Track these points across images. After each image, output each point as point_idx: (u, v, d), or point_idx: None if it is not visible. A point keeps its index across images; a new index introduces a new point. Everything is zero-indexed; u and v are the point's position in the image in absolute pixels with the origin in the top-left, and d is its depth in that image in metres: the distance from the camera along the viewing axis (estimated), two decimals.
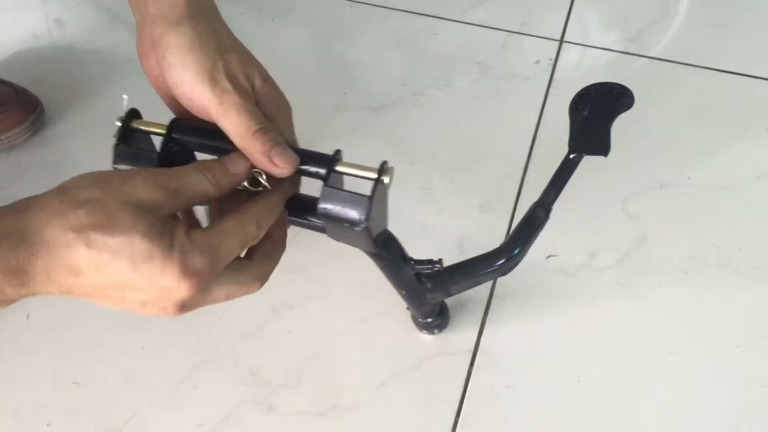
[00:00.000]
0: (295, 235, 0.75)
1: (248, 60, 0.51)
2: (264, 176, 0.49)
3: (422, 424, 0.63)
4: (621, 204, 0.78)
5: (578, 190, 0.79)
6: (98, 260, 0.39)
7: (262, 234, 0.47)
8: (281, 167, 0.47)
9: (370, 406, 0.63)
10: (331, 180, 0.49)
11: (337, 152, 0.50)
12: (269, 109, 0.50)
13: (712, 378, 0.66)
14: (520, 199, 0.79)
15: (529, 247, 0.60)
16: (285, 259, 0.73)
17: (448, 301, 0.68)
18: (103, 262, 0.39)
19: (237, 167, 0.47)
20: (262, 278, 0.48)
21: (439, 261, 0.59)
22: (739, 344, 0.67)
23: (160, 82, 0.50)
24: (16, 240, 0.38)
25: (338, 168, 0.49)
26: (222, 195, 0.46)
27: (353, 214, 0.49)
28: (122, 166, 0.50)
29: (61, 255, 0.39)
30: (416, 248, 0.71)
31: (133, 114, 0.51)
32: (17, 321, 0.68)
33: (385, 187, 0.49)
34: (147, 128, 0.50)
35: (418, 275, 0.60)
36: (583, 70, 0.94)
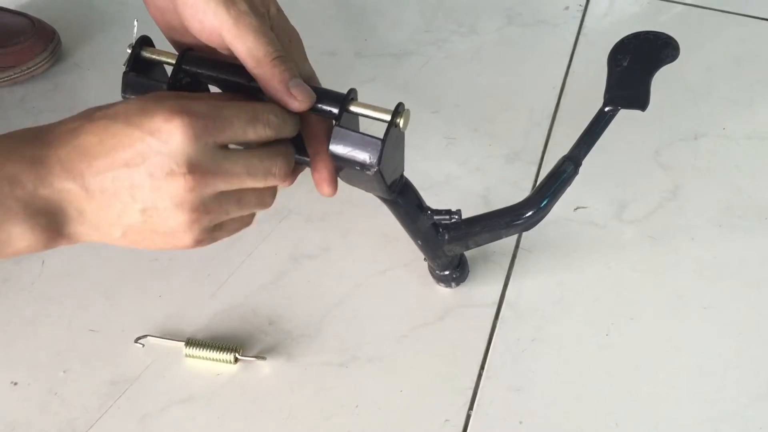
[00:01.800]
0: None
1: None
2: None
3: (446, 376, 0.61)
4: (653, 155, 0.76)
5: (609, 141, 0.76)
6: (97, 127, 0.40)
7: (268, 134, 0.45)
8: (300, 100, 0.45)
9: (392, 357, 0.62)
10: (344, 120, 0.46)
11: (351, 91, 0.48)
12: (282, 40, 0.48)
13: (745, 333, 0.64)
14: (547, 150, 0.76)
15: (554, 203, 0.58)
16: (305, 208, 0.72)
17: (472, 251, 0.66)
18: (102, 128, 0.40)
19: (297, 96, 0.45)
20: (286, 162, 0.46)
21: (458, 212, 0.57)
22: None
23: (166, 12, 0.47)
24: (33, 136, 0.41)
25: (351, 108, 0.46)
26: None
27: (365, 156, 0.46)
28: (130, 95, 0.48)
29: (70, 139, 0.40)
30: (440, 199, 0.69)
31: (144, 41, 0.48)
32: (32, 268, 0.66)
33: (400, 130, 0.47)
34: (158, 57, 0.48)
35: (436, 226, 0.58)
36: (614, 17, 0.90)
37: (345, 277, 0.66)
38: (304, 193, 0.71)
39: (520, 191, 0.72)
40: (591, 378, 0.61)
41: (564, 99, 0.81)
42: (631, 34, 0.59)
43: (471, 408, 0.59)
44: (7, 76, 0.79)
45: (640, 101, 0.56)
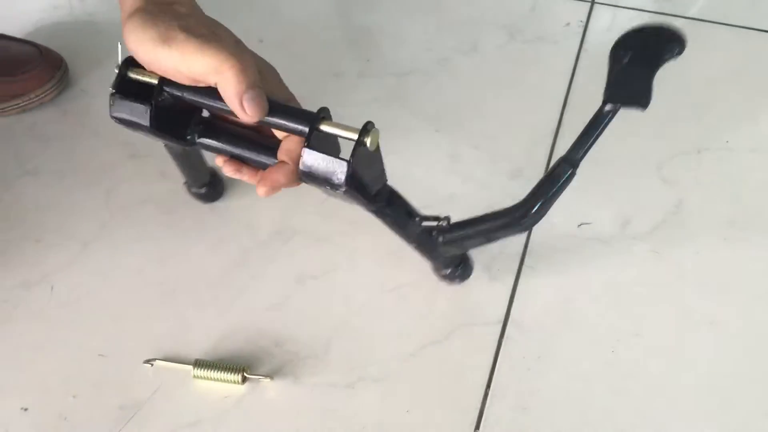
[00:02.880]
0: (321, 202, 0.74)
1: (214, 23, 0.51)
2: None
3: (452, 395, 0.61)
4: (656, 170, 0.76)
5: (611, 156, 0.77)
6: None
7: None
8: (249, 114, 0.47)
9: (398, 377, 0.62)
10: (313, 140, 0.47)
11: (322, 110, 0.48)
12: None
13: (752, 348, 0.63)
14: (550, 166, 0.76)
15: (550, 206, 0.57)
16: (310, 228, 0.72)
17: (476, 265, 0.67)
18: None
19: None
20: None
21: (447, 218, 0.58)
22: None
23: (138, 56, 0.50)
24: None
25: (322, 127, 0.47)
26: None
27: (333, 178, 0.47)
28: (118, 116, 0.50)
29: None
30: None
31: (129, 62, 0.50)
32: (41, 293, 0.67)
33: (367, 149, 0.47)
34: (142, 77, 0.50)
35: (429, 230, 0.58)
36: (615, 32, 0.89)
37: (350, 297, 0.67)
38: (309, 214, 0.72)
39: None
40: (597, 395, 0.61)
41: (566, 115, 0.81)
42: (634, 28, 0.56)
43: (477, 427, 0.59)
44: (15, 104, 0.80)
45: (641, 99, 0.54)
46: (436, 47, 0.89)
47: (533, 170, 0.76)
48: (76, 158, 0.77)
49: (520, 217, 0.56)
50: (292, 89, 0.84)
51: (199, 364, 0.61)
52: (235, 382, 0.61)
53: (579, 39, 0.89)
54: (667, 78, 0.84)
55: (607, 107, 0.55)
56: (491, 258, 0.69)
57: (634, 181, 0.75)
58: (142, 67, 0.51)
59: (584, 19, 0.91)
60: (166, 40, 0.47)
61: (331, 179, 0.47)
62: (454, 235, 0.58)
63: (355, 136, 0.47)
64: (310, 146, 0.47)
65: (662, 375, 0.62)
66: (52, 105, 0.82)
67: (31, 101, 0.80)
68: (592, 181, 0.72)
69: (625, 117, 0.79)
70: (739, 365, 0.62)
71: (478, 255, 0.69)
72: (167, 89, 0.50)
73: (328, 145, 0.49)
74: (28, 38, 0.85)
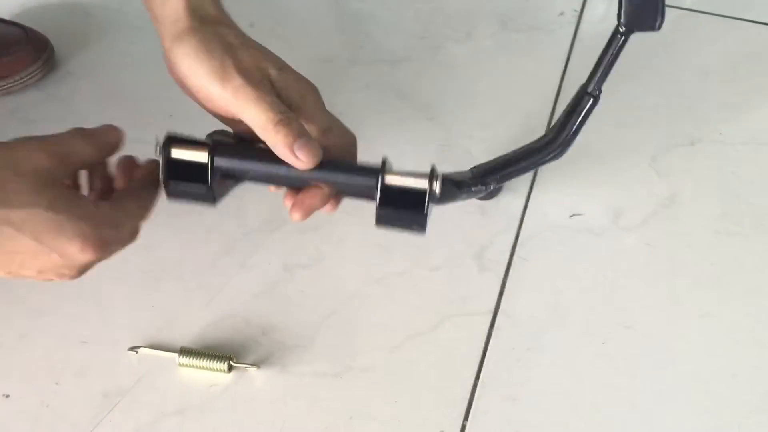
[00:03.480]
0: None
1: (259, 53, 0.50)
2: None
3: (441, 386, 0.60)
4: (649, 161, 0.75)
5: (604, 147, 0.76)
6: (1, 234, 0.41)
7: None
8: (303, 161, 0.46)
9: (387, 367, 0.61)
10: (382, 196, 0.46)
11: (384, 163, 0.47)
12: (293, 98, 0.50)
13: (743, 341, 0.63)
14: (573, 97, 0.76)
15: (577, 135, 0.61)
16: None
17: (467, 255, 0.66)
18: (7, 236, 0.41)
19: (111, 138, 0.49)
20: (138, 229, 0.49)
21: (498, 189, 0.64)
22: None
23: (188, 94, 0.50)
24: None
25: (388, 182, 0.46)
26: (104, 159, 0.48)
27: (411, 229, 0.48)
28: (178, 198, 0.49)
29: None
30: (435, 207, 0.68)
31: (172, 141, 0.48)
32: (24, 280, 0.66)
33: (437, 195, 0.47)
34: (189, 158, 0.47)
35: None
36: (610, 22, 0.89)
37: (339, 286, 0.66)
38: None
39: (515, 198, 0.72)
40: (587, 388, 0.60)
41: (560, 105, 0.80)
42: None
43: (466, 419, 0.59)
44: (0, 86, 0.78)
45: (654, 19, 0.53)
46: (430, 35, 0.88)
47: None
48: None
49: (558, 147, 0.62)
50: None
51: (184, 352, 0.60)
52: (221, 371, 0.60)
53: (573, 28, 0.88)
54: (661, 69, 0.84)
55: (621, 33, 0.54)
56: (482, 248, 0.68)
57: (627, 173, 0.74)
58: (182, 141, 0.48)
59: (578, 9, 0.90)
60: (222, 78, 0.47)
61: (409, 229, 0.48)
62: (494, 176, 0.64)
63: (425, 185, 0.46)
64: (381, 205, 0.47)
65: (652, 368, 0.62)
66: (36, 88, 0.81)
67: (15, 83, 0.79)
68: (585, 172, 0.71)
69: (620, 107, 0.79)
70: (729, 359, 0.62)
71: (468, 245, 0.68)
72: (218, 164, 0.48)
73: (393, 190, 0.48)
74: (14, 19, 0.84)
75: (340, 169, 0.48)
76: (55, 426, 0.58)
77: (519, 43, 0.87)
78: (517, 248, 0.69)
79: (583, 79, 0.82)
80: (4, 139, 0.75)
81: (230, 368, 0.60)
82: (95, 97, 0.80)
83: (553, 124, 0.63)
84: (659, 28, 0.53)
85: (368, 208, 0.67)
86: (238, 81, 0.47)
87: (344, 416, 0.59)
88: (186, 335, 0.62)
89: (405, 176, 0.47)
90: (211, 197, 0.49)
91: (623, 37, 0.54)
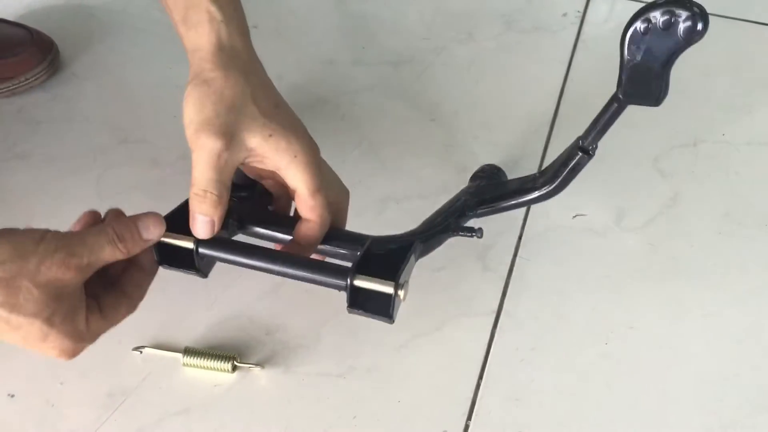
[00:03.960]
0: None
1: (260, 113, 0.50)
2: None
3: (444, 386, 0.61)
4: (652, 162, 0.75)
5: (608, 148, 0.75)
6: None
7: None
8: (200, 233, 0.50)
9: (390, 367, 0.62)
10: (350, 298, 0.51)
11: (355, 266, 0.51)
12: (281, 162, 0.51)
13: (745, 341, 0.63)
14: (546, 157, 0.76)
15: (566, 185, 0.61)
16: None
17: (468, 261, 0.66)
18: (2, 330, 0.44)
19: (150, 234, 0.50)
20: (132, 309, 0.52)
21: (479, 230, 0.61)
22: None
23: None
24: None
25: (356, 283, 0.50)
26: (130, 256, 0.49)
27: (380, 320, 0.52)
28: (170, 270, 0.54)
29: None
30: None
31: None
32: None
33: (401, 299, 0.51)
34: (176, 242, 0.51)
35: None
36: (613, 23, 0.90)
37: None
38: None
39: None
40: (590, 388, 0.61)
41: (563, 105, 0.81)
42: (645, 15, 0.48)
43: (469, 418, 0.59)
44: (5, 87, 0.79)
45: (656, 97, 0.52)
46: (433, 36, 0.89)
47: (529, 161, 0.76)
48: (66, 143, 0.76)
49: (545, 194, 0.61)
50: (286, 77, 0.84)
51: (188, 351, 0.60)
52: (225, 371, 0.60)
53: (576, 29, 0.88)
54: None
55: (618, 103, 0.54)
56: (485, 248, 0.69)
57: (630, 174, 0.74)
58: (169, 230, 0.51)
59: (581, 10, 0.91)
60: (266, 138, 0.49)
61: (378, 320, 0.52)
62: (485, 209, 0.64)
63: (391, 291, 0.50)
64: (350, 306, 0.52)
65: (655, 367, 0.62)
66: (42, 89, 0.81)
67: (20, 84, 0.79)
68: (588, 172, 0.71)
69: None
70: (732, 359, 0.62)
71: (472, 246, 0.68)
72: (203, 252, 0.52)
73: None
74: (19, 21, 0.84)
75: (312, 269, 0.52)
76: (60, 425, 0.58)
77: (522, 44, 0.87)
78: (520, 249, 0.69)
79: (587, 81, 0.83)
80: (10, 141, 0.75)
81: (234, 368, 0.60)
82: (100, 98, 0.81)
83: (545, 168, 0.62)
84: (659, 104, 0.52)
85: (373, 211, 0.68)
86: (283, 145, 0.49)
87: (348, 416, 0.59)
88: (190, 335, 0.63)
89: (372, 281, 0.50)
90: (205, 275, 0.55)
91: (621, 107, 0.54)
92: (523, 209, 0.71)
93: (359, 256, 0.52)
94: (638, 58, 0.50)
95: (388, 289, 0.50)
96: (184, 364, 0.60)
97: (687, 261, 0.68)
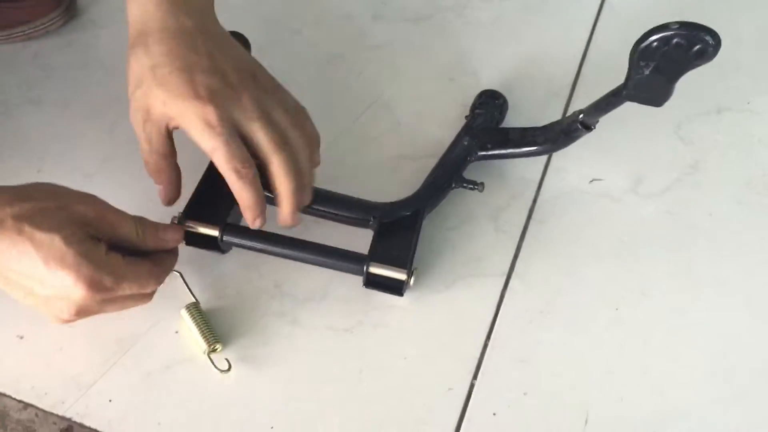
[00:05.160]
0: (326, 149, 0.72)
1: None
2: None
3: (451, 344, 0.60)
4: (674, 129, 0.74)
5: (629, 113, 0.74)
6: (22, 247, 0.46)
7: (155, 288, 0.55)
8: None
9: (398, 324, 0.61)
10: (367, 280, 0.60)
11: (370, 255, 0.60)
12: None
13: (760, 312, 0.62)
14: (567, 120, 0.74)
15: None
16: (317, 172, 0.71)
17: (482, 220, 0.66)
18: (25, 251, 0.46)
19: (167, 236, 0.55)
20: (156, 279, 0.54)
21: (481, 184, 0.65)
22: None
23: None
24: None
25: (371, 270, 0.59)
26: (146, 248, 0.53)
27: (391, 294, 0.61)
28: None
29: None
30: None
31: (187, 216, 0.60)
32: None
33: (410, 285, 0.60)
34: (202, 231, 0.60)
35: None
36: None
37: (352, 243, 0.65)
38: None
39: (534, 162, 0.71)
40: (598, 352, 0.60)
41: (584, 69, 0.79)
42: (659, 35, 0.49)
43: (475, 377, 0.59)
44: (21, 32, 0.78)
45: (659, 100, 0.54)
46: None
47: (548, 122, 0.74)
48: (81, 89, 0.76)
49: (542, 151, 0.67)
50: (304, 31, 0.83)
51: (189, 309, 0.60)
52: (201, 350, 0.58)
53: None
54: None
55: (623, 96, 0.55)
56: (498, 209, 0.68)
57: (651, 140, 0.73)
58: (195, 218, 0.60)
59: None
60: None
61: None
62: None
63: (404, 277, 0.59)
64: (366, 286, 0.61)
65: (665, 335, 0.61)
66: (57, 34, 0.80)
67: (36, 29, 0.78)
68: (608, 137, 0.70)
69: None
70: (743, 328, 0.61)
71: (485, 207, 0.68)
72: (227, 239, 0.60)
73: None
74: None
75: (331, 256, 0.60)
76: (67, 368, 0.59)
77: (546, 5, 0.85)
78: (534, 211, 0.68)
79: (610, 45, 0.81)
80: (25, 86, 0.75)
81: (209, 353, 0.58)
82: (116, 46, 0.79)
83: (547, 125, 0.66)
84: (660, 106, 0.54)
85: (387, 165, 0.67)
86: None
87: (354, 369, 0.59)
88: (199, 284, 0.63)
89: (386, 268, 0.59)
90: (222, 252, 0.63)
91: (623, 101, 0.56)
92: (539, 172, 0.70)
93: (372, 244, 0.60)
94: (646, 72, 0.52)
95: (401, 275, 0.58)
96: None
97: (704, 229, 0.67)
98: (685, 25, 0.48)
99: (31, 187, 0.50)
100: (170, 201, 0.58)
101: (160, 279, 0.54)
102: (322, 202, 0.63)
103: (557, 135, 0.64)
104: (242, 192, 0.52)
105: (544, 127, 0.66)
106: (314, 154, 0.58)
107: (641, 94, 0.54)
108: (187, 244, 0.60)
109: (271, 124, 0.52)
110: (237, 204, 0.54)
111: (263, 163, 0.53)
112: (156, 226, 0.54)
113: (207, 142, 0.51)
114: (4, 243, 0.46)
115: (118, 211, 0.52)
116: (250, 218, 0.54)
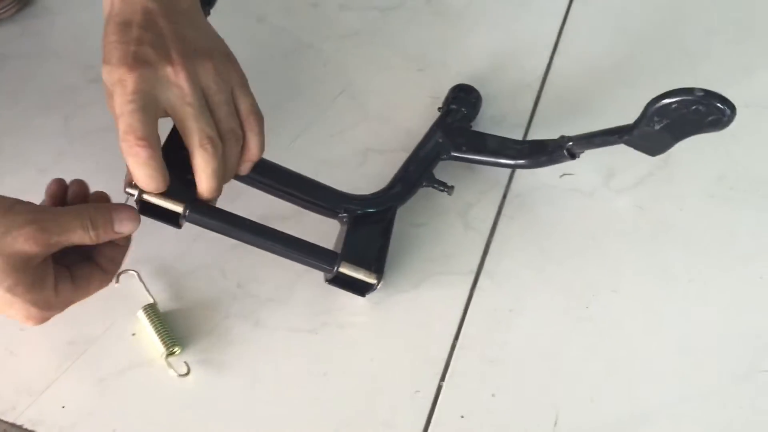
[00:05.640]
0: (292, 142, 0.70)
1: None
2: None
3: (418, 345, 0.59)
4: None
5: (600, 105, 0.73)
6: None
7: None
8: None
9: (364, 324, 0.60)
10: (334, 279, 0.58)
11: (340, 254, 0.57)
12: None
13: (732, 308, 0.61)
14: (536, 112, 0.73)
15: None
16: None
17: (451, 216, 0.64)
18: None
19: (123, 227, 0.50)
20: (106, 282, 0.52)
21: (451, 187, 0.64)
22: (763, 275, 0.63)
23: None
24: None
25: (342, 270, 0.56)
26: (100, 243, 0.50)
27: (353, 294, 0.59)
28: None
29: None
30: None
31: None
32: None
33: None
34: (163, 204, 0.51)
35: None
36: None
37: (319, 241, 0.63)
38: (281, 150, 0.68)
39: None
40: (568, 351, 0.59)
41: (556, 60, 0.77)
42: (681, 98, 0.50)
43: (443, 379, 0.58)
44: None
45: (656, 152, 0.56)
46: None
47: (517, 117, 0.72)
48: (34, 80, 0.73)
49: (523, 165, 0.66)
50: (269, 18, 0.80)
51: (146, 311, 0.58)
52: (161, 355, 0.57)
53: None
54: (664, 26, 0.80)
55: (620, 139, 0.55)
56: (467, 205, 0.66)
57: None
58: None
59: None
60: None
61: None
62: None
63: (374, 281, 0.57)
64: (330, 282, 0.59)
65: (637, 333, 0.60)
66: (11, 21, 0.77)
67: None
68: (579, 130, 0.68)
69: (620, 64, 0.76)
70: (715, 326, 0.61)
71: (453, 203, 0.66)
72: (192, 217, 0.53)
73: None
74: None
75: (301, 250, 0.57)
76: (20, 373, 0.57)
77: None
78: (504, 207, 0.67)
79: (582, 35, 0.79)
80: None
81: (167, 356, 0.56)
82: (71, 34, 0.77)
83: (529, 142, 0.67)
84: (655, 156, 0.56)
85: (352, 162, 0.65)
86: None
87: (318, 372, 0.57)
88: (159, 284, 0.60)
89: (357, 271, 0.57)
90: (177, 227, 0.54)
91: (619, 143, 0.56)
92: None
93: (344, 242, 0.58)
94: (656, 127, 0.52)
95: (371, 279, 0.57)
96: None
97: (676, 225, 0.66)
98: (708, 94, 0.49)
99: None
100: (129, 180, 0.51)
101: (109, 281, 0.52)
102: (292, 186, 0.61)
103: (539, 156, 0.63)
104: (130, 165, 0.48)
105: (526, 142, 0.65)
106: (246, 161, 0.54)
107: (641, 143, 0.54)
108: (142, 212, 0.52)
109: (201, 118, 0.48)
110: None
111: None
112: (108, 211, 0.50)
113: (116, 108, 0.47)
114: None
115: (63, 219, 0.47)
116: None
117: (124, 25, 0.49)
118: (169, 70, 0.48)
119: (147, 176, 0.48)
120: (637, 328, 0.60)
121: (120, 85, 0.47)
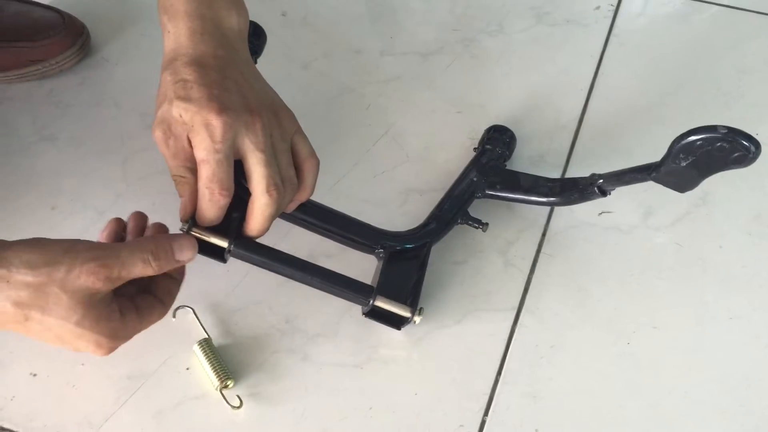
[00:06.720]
0: (336, 183, 0.73)
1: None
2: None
3: (462, 380, 0.60)
4: None
5: (636, 143, 0.75)
6: (30, 328, 0.47)
7: None
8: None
9: (409, 359, 0.61)
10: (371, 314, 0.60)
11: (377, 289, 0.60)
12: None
13: None
14: (573, 153, 0.75)
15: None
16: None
17: (492, 254, 0.66)
18: (35, 331, 0.47)
19: (184, 255, 0.52)
20: (164, 313, 0.54)
21: (486, 224, 0.66)
22: None
23: None
24: None
25: (377, 304, 0.58)
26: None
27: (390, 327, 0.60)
28: None
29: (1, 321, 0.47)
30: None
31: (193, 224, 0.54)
32: None
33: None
34: (209, 240, 0.54)
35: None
36: (647, 17, 0.88)
37: (363, 277, 0.65)
38: (325, 191, 0.71)
39: None
40: (610, 388, 0.60)
41: (592, 101, 0.79)
42: (705, 136, 0.51)
43: (486, 414, 0.59)
44: (36, 70, 0.80)
45: (684, 188, 0.57)
46: (462, 27, 0.87)
47: (555, 157, 0.74)
48: (94, 126, 0.77)
49: (556, 203, 0.67)
50: (313, 65, 0.84)
51: (201, 345, 0.60)
52: (213, 386, 0.59)
53: (609, 23, 0.87)
54: (697, 66, 0.82)
55: (649, 176, 0.56)
56: (507, 243, 0.68)
57: None
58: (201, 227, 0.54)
59: (615, 3, 0.89)
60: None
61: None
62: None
63: (409, 315, 0.59)
64: (367, 316, 0.60)
65: (677, 370, 0.61)
66: (71, 72, 0.82)
67: (51, 67, 0.80)
68: (616, 168, 0.70)
69: (655, 104, 0.78)
70: (757, 363, 0.61)
71: (494, 241, 0.68)
72: (236, 251, 0.55)
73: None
74: (51, 4, 0.85)
75: (338, 284, 0.59)
76: (80, 406, 0.59)
77: (553, 37, 0.86)
78: (544, 245, 0.68)
79: (618, 75, 0.81)
80: (39, 123, 0.76)
81: (221, 389, 0.59)
82: (129, 84, 0.81)
83: (562, 180, 0.67)
84: (684, 192, 0.57)
85: (395, 201, 0.67)
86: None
87: (364, 407, 0.59)
88: (210, 321, 0.63)
89: (392, 304, 0.59)
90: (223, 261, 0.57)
91: (648, 180, 0.57)
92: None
93: (380, 276, 0.60)
94: (683, 164, 0.53)
95: (405, 312, 0.58)
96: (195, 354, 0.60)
97: (714, 262, 0.67)
98: (732, 131, 0.50)
99: (19, 264, 0.46)
100: (190, 214, 0.53)
101: (166, 312, 0.54)
102: (330, 222, 0.63)
103: (570, 193, 0.64)
104: (204, 207, 0.52)
105: (557, 180, 0.67)
106: (296, 200, 0.57)
107: (669, 179, 0.56)
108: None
109: (271, 165, 0.52)
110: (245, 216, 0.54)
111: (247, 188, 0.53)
112: (168, 241, 0.51)
113: (201, 152, 0.50)
114: (11, 327, 0.47)
115: (123, 254, 0.48)
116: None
117: (200, 67, 0.52)
118: (248, 118, 0.51)
119: (216, 218, 0.52)
120: (678, 365, 0.61)
121: (206, 128, 0.50)
